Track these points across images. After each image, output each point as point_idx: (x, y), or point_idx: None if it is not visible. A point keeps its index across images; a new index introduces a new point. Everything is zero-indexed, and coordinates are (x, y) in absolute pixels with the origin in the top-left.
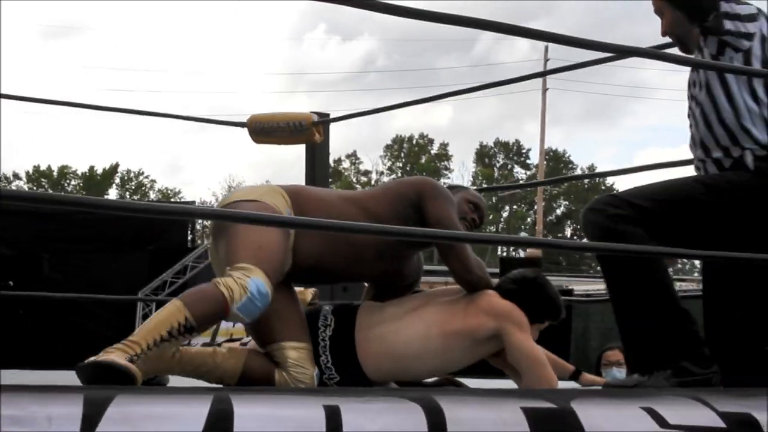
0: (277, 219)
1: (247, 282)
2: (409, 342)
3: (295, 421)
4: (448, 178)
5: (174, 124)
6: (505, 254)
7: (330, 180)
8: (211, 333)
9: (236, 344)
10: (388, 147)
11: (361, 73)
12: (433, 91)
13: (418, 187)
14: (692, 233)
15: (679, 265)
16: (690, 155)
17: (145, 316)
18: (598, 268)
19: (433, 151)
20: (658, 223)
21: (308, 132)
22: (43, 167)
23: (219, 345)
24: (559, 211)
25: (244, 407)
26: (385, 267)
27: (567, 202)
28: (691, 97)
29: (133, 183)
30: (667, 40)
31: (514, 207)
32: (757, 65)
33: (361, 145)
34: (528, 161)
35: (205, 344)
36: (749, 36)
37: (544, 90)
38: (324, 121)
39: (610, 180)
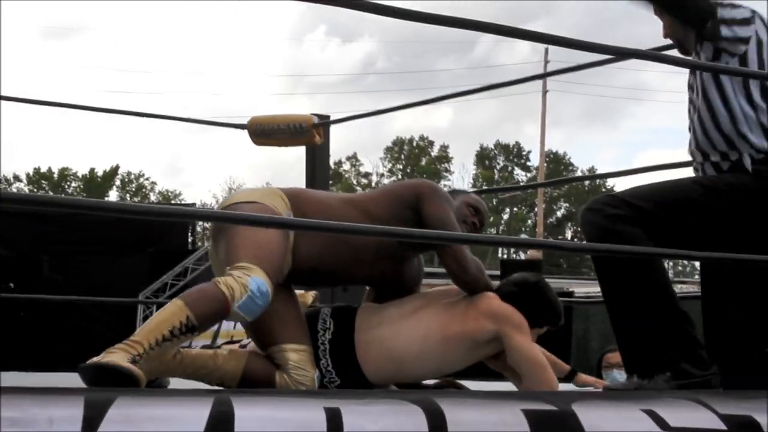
0: (277, 220)
1: (248, 281)
2: (408, 345)
3: (295, 423)
4: (449, 180)
5: (174, 126)
6: (505, 256)
7: (330, 182)
8: (212, 335)
9: (236, 346)
10: (388, 149)
11: (361, 75)
12: (433, 93)
13: (416, 188)
14: (690, 234)
15: (680, 267)
16: (689, 157)
17: (145, 318)
18: None
19: (433, 153)
20: (656, 224)
21: (308, 134)
22: (43, 169)
23: (219, 347)
24: (559, 213)
25: (245, 409)
26: (384, 269)
27: (567, 204)
28: (690, 101)
29: (133, 185)
30: (669, 41)
31: (515, 209)
32: (754, 65)
33: (361, 147)
34: (528, 163)
35: (205, 346)
36: (745, 40)
37: (545, 92)
38: (324, 122)
39: (610, 182)
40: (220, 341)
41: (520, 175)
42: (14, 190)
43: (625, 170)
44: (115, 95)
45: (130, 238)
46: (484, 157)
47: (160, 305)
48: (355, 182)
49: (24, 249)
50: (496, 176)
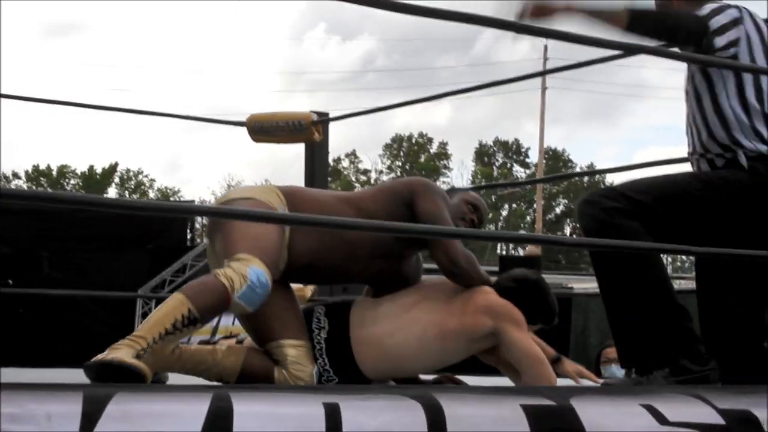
0: (273, 215)
1: (247, 271)
2: (406, 342)
3: (294, 418)
4: (448, 177)
5: (173, 123)
6: (504, 252)
7: (329, 179)
8: (211, 330)
9: (233, 341)
10: (387, 146)
11: (360, 73)
12: (433, 91)
13: (410, 185)
14: (687, 228)
15: (678, 263)
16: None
17: (144, 315)
18: None
19: (432, 150)
20: (654, 217)
21: (307, 131)
22: (42, 166)
23: (216, 342)
24: (558, 210)
25: (244, 405)
26: (381, 266)
27: (566, 201)
28: (686, 101)
29: (132, 182)
30: None
31: (514, 205)
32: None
33: (360, 144)
34: (527, 160)
35: (203, 341)
36: (735, 42)
37: (544, 89)
38: (323, 120)
39: (609, 178)
40: (218, 337)
41: (519, 171)
42: (13, 187)
43: (624, 166)
44: (114, 93)
45: (129, 235)
46: (483, 154)
47: (159, 300)
48: (354, 179)
49: (23, 246)
50: (495, 173)
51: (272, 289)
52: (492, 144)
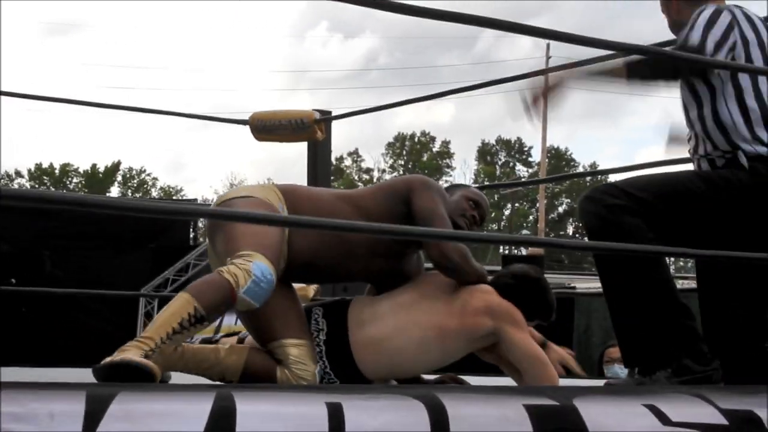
0: (275, 218)
1: (250, 266)
2: (405, 346)
3: (297, 418)
4: (450, 175)
5: (176, 122)
6: (507, 252)
7: (332, 178)
8: (213, 330)
9: (234, 339)
10: (390, 145)
11: (363, 71)
12: (435, 89)
13: (408, 182)
14: (689, 227)
15: (681, 263)
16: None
17: (147, 314)
18: None
19: (435, 149)
20: (656, 215)
21: (310, 129)
22: (45, 165)
23: (218, 341)
24: (561, 209)
25: (247, 404)
26: (380, 265)
27: (569, 200)
28: (685, 113)
29: (135, 181)
30: (672, 36)
31: (516, 205)
32: (745, 77)
33: (363, 143)
34: (530, 159)
35: (205, 340)
36: (731, 47)
37: None
38: (326, 118)
39: (612, 178)
40: (219, 335)
41: (522, 170)
42: (16, 185)
43: (626, 166)
44: (116, 91)
45: (131, 234)
46: (485, 153)
47: (161, 299)
48: (356, 178)
49: (26, 245)
50: (498, 172)
51: (274, 289)
52: (495, 143)
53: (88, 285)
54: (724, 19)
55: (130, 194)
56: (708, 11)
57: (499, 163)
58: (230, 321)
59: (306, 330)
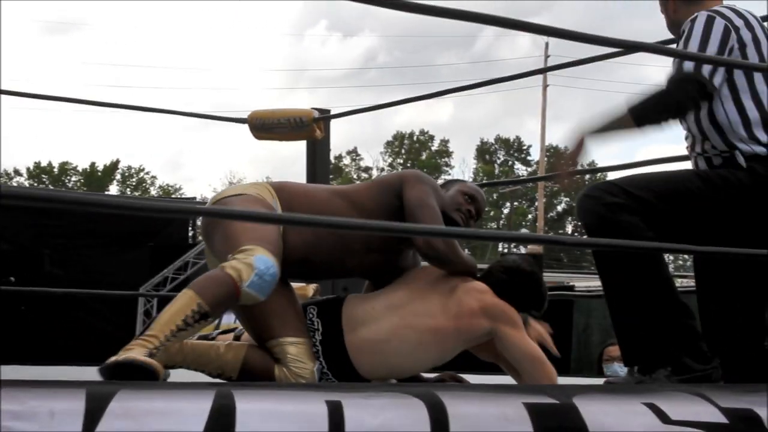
0: (268, 216)
1: (252, 260)
2: (402, 349)
3: (297, 416)
4: (449, 174)
5: (175, 121)
6: (506, 250)
7: (331, 176)
8: (213, 327)
9: (230, 336)
10: (388, 143)
11: (361, 70)
12: (434, 88)
13: (402, 176)
14: (687, 226)
15: (680, 262)
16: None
17: (146, 312)
18: None
19: (433, 148)
20: (654, 214)
21: (309, 128)
22: (43, 163)
23: (214, 338)
24: (560, 208)
25: (247, 402)
26: (376, 260)
27: (568, 199)
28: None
29: (134, 179)
30: (671, 35)
31: (515, 203)
32: (741, 77)
33: (361, 142)
34: (529, 158)
35: (201, 337)
36: (729, 52)
37: (545, 86)
38: (325, 117)
39: (610, 176)
40: (215, 332)
41: (521, 169)
42: (15, 184)
43: (626, 164)
44: (115, 90)
45: (130, 232)
46: (484, 152)
47: (160, 298)
48: (355, 177)
49: (25, 243)
50: (497, 171)
51: None
52: (493, 141)
53: (87, 283)
54: (718, 28)
55: (128, 193)
56: (701, 21)
57: (498, 161)
58: (229, 319)
59: (304, 328)
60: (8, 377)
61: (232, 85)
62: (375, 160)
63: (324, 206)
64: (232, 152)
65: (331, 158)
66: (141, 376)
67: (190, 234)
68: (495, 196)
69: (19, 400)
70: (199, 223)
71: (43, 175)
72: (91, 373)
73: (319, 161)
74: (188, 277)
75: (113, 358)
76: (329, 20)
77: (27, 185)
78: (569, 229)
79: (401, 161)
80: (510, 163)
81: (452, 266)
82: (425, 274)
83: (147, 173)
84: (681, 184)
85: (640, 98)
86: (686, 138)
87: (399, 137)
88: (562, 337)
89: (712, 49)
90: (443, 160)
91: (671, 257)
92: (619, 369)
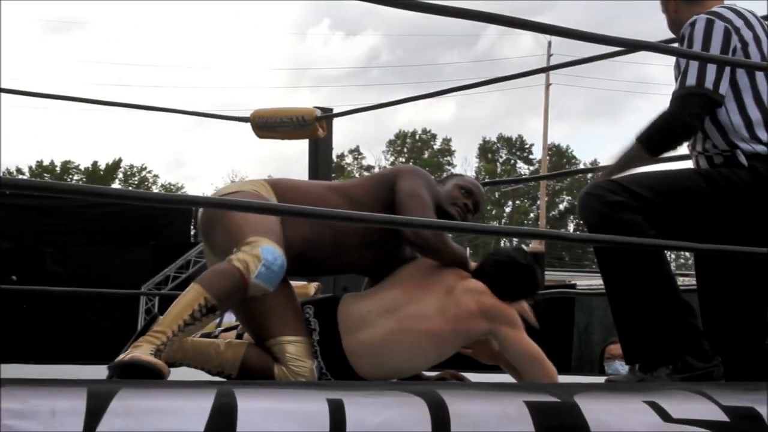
0: (271, 207)
1: (259, 251)
2: (399, 353)
3: (298, 415)
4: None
5: (177, 120)
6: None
7: (333, 175)
8: (215, 326)
9: (232, 333)
10: (391, 142)
11: (364, 69)
12: (437, 87)
13: (397, 169)
14: (689, 225)
15: (682, 260)
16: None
17: (147, 311)
18: None
19: (436, 147)
20: (656, 212)
21: (311, 127)
22: (46, 162)
23: (216, 336)
24: (562, 206)
25: (248, 401)
26: (373, 255)
27: (570, 198)
28: None
29: (136, 178)
30: (671, 35)
31: (517, 202)
32: (743, 76)
33: (364, 141)
34: (531, 156)
35: (204, 335)
36: (732, 53)
37: (547, 85)
38: (327, 116)
39: None
40: (218, 330)
41: (523, 168)
42: None
43: None
44: (118, 89)
45: (132, 231)
46: (486, 151)
47: (162, 297)
48: (357, 176)
49: (26, 241)
50: (499, 169)
51: None
52: (496, 140)
53: (89, 282)
54: (719, 31)
55: None
56: (700, 26)
57: (500, 160)
58: (231, 317)
59: (303, 326)
60: (9, 376)
61: (235, 84)
62: (377, 159)
63: (320, 201)
64: (234, 151)
65: (333, 157)
66: (146, 377)
67: (192, 232)
68: (497, 194)
69: (21, 398)
70: None
71: (46, 174)
72: (92, 372)
73: (321, 160)
74: (190, 276)
75: (120, 357)
76: (332, 19)
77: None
78: (571, 227)
79: (403, 160)
80: (512, 161)
81: (440, 255)
82: (419, 271)
83: (149, 172)
84: (683, 183)
85: (648, 127)
86: None
87: (401, 136)
88: (564, 335)
89: (718, 35)
90: (445, 158)
91: (673, 255)
92: (621, 367)
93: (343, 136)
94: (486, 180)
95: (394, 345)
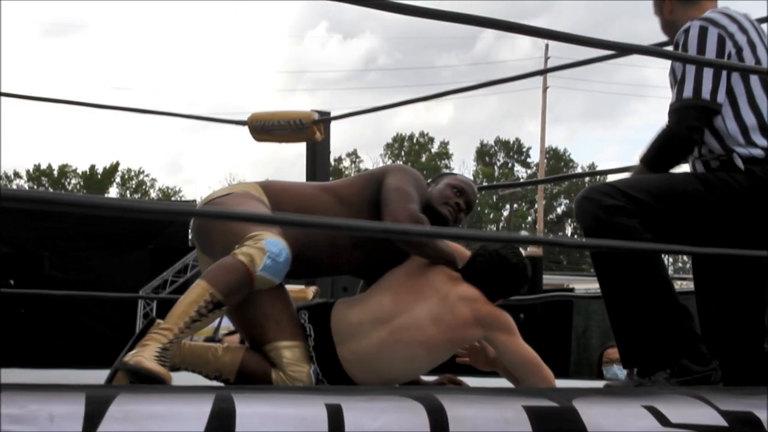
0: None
1: (263, 244)
2: (393, 363)
3: (297, 419)
4: None
5: (175, 123)
6: None
7: (330, 178)
8: (213, 330)
9: (236, 337)
10: (388, 145)
11: (362, 71)
12: (434, 90)
13: (386, 168)
14: (686, 229)
15: (680, 264)
16: None
17: (145, 315)
18: None
19: (433, 150)
20: (653, 216)
21: (309, 130)
22: (43, 166)
23: (220, 340)
24: (559, 210)
25: (246, 406)
26: (365, 257)
27: (567, 201)
28: None
29: (133, 182)
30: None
31: (515, 205)
32: (738, 82)
33: (361, 144)
34: (528, 160)
35: (208, 339)
36: (727, 59)
37: (545, 88)
38: (325, 119)
39: (610, 179)
40: (222, 334)
41: (521, 171)
42: (14, 186)
43: (625, 167)
44: (115, 92)
45: (130, 235)
46: (484, 154)
47: (160, 301)
48: None
49: (25, 246)
50: (497, 173)
51: (264, 290)
52: (493, 143)
53: (87, 286)
54: (713, 39)
55: (128, 195)
56: (694, 34)
57: (498, 164)
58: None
59: (299, 332)
60: (8, 380)
61: (233, 87)
62: (375, 162)
63: (311, 202)
64: (232, 154)
65: (331, 160)
66: (147, 383)
67: (190, 237)
68: (495, 198)
69: (19, 403)
70: None
71: (43, 178)
72: (90, 376)
73: (319, 163)
74: (188, 280)
75: (127, 357)
76: (329, 22)
77: (27, 188)
78: (569, 231)
79: (401, 163)
80: (510, 165)
81: (426, 252)
82: (410, 275)
83: (147, 175)
84: (680, 187)
85: (649, 147)
86: None
87: (399, 139)
88: (562, 339)
89: (712, 44)
90: (443, 162)
91: (670, 259)
92: (619, 371)
93: (341, 139)
94: (484, 183)
95: (388, 355)
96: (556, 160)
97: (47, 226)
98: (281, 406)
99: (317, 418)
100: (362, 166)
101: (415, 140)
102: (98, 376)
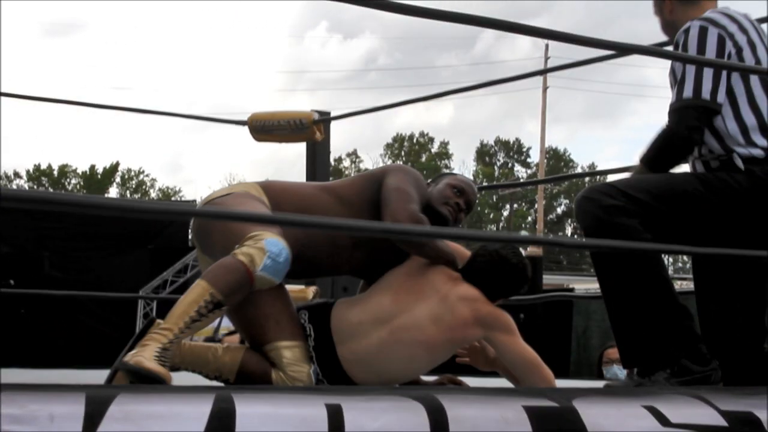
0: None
1: (263, 243)
2: (393, 363)
3: (297, 419)
4: None
5: (175, 123)
6: None
7: (330, 178)
8: (213, 330)
9: (236, 337)
10: (388, 145)
11: (362, 71)
12: (434, 90)
13: (386, 168)
14: (686, 228)
15: (680, 264)
16: None
17: (145, 315)
18: None
19: (433, 150)
20: (653, 216)
21: (309, 130)
22: (43, 166)
23: (221, 340)
24: (559, 210)
25: (247, 406)
26: (365, 257)
27: (567, 201)
28: None
29: (133, 182)
30: (664, 38)
31: (515, 205)
32: (738, 82)
33: (361, 144)
34: (528, 160)
35: (208, 339)
36: (727, 59)
37: (545, 88)
38: (325, 119)
39: (610, 179)
40: (222, 334)
41: (521, 171)
42: (14, 186)
43: (625, 167)
44: (115, 92)
45: (130, 235)
46: (484, 154)
47: (160, 301)
48: None
49: (24, 245)
50: (497, 173)
51: (264, 291)
52: (493, 143)
53: (87, 286)
54: (713, 39)
55: (128, 195)
56: (694, 34)
57: (498, 164)
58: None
59: (299, 332)
60: (8, 380)
61: (233, 87)
62: (375, 162)
63: (311, 202)
64: (232, 154)
65: (331, 160)
66: (147, 383)
67: (190, 237)
68: (495, 198)
69: (19, 403)
70: None
71: (43, 178)
72: (90, 376)
73: (319, 163)
74: (188, 280)
75: (128, 357)
76: (329, 22)
77: (27, 188)
78: (569, 231)
79: (401, 163)
80: (510, 165)
81: (426, 252)
82: (409, 275)
83: (147, 175)
84: (680, 187)
85: (649, 147)
86: None
87: (399, 139)
88: (562, 339)
89: (712, 45)
90: (443, 162)
91: (670, 259)
92: (619, 371)
93: (341, 139)
94: (484, 183)
95: (388, 355)
96: (556, 160)
97: (47, 226)
98: (281, 406)
99: (317, 418)
100: (362, 166)
101: (415, 140)
102: (98, 376)
